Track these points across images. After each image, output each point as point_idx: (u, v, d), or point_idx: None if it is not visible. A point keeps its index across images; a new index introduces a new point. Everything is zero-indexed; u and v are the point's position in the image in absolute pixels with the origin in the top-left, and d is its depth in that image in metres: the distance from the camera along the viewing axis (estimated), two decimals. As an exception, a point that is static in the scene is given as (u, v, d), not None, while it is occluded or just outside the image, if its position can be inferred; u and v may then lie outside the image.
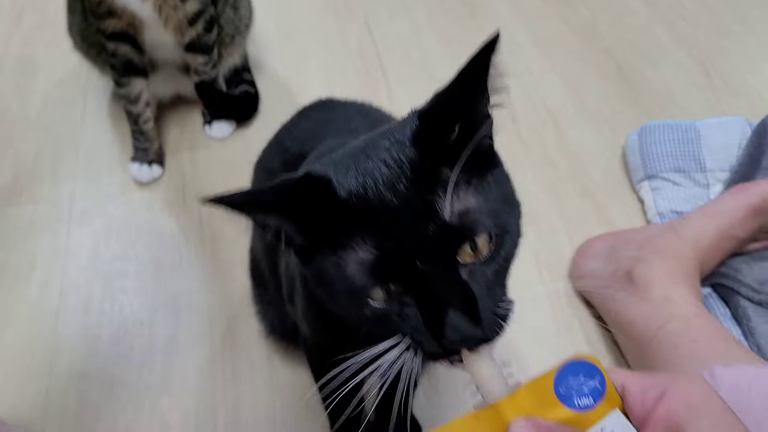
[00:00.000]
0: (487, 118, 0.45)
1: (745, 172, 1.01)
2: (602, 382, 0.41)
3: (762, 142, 1.02)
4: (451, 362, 0.43)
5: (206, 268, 1.07)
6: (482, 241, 0.42)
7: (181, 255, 1.09)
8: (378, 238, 0.41)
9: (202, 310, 1.02)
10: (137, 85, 1.13)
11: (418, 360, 0.43)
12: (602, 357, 0.94)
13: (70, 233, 1.12)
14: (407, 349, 0.43)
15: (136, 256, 1.09)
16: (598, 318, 0.96)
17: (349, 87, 1.33)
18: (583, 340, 0.95)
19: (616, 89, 1.30)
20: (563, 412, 0.40)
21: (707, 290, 0.95)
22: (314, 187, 0.43)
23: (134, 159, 1.19)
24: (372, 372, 0.45)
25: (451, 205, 0.41)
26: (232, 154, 1.23)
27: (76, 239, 1.11)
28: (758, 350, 0.87)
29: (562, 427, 0.39)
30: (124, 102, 1.16)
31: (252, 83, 1.31)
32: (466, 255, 0.42)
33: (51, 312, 1.02)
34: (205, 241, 1.10)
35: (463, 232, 0.42)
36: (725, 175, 1.06)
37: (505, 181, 0.46)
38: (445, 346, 0.41)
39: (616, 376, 0.41)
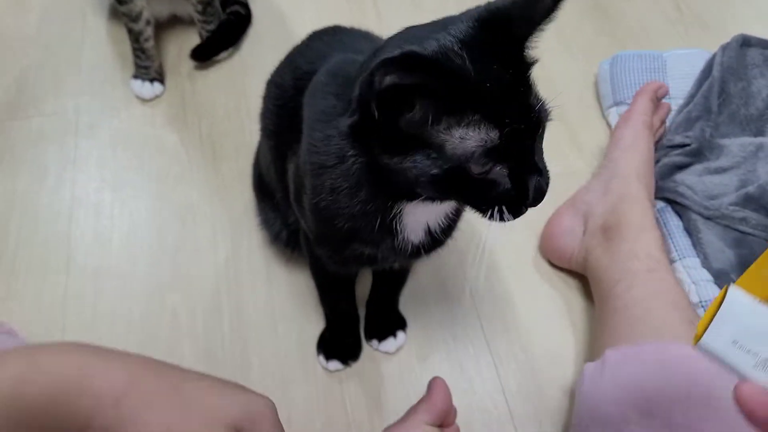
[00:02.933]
0: None
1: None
2: None
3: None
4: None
5: (209, 182, 1.14)
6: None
7: (184, 168, 1.16)
8: (499, 118, 0.50)
9: (205, 220, 1.10)
10: (138, 2, 1.17)
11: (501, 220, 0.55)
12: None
13: (78, 144, 1.18)
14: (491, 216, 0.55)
15: (141, 167, 1.16)
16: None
17: (339, 15, 1.38)
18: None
19: (592, 21, 1.37)
20: None
21: (662, 204, 1.06)
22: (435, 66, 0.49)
23: (136, 76, 1.24)
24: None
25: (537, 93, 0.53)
26: (229, 73, 1.29)
27: (84, 150, 1.18)
28: (704, 258, 0.99)
29: None
30: (125, 20, 1.19)
31: (245, 4, 1.36)
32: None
33: (64, 216, 1.10)
34: (207, 156, 1.17)
35: (546, 116, 0.53)
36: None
37: None
38: (530, 203, 0.54)
39: None
